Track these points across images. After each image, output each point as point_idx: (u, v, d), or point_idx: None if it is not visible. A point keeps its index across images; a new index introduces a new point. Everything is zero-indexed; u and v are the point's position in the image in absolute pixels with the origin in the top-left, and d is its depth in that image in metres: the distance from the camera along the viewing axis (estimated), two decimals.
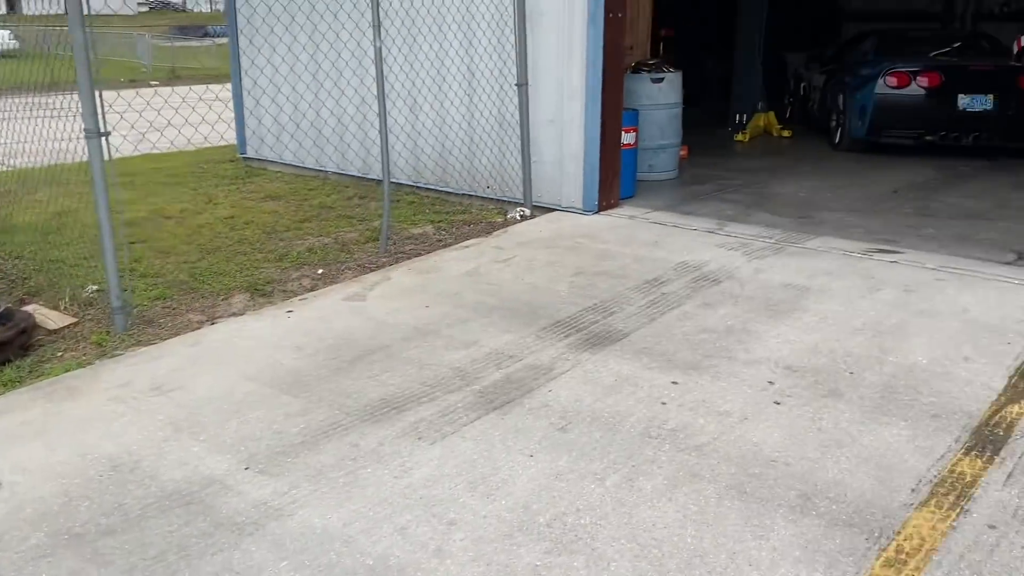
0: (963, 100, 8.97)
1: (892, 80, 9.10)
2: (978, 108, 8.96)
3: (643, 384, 3.68)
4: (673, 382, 3.69)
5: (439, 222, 6.70)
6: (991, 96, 8.93)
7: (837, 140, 9.98)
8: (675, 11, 14.96)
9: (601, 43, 6.43)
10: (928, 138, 9.20)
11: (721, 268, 5.28)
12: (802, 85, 12.42)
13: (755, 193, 7.63)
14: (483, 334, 4.26)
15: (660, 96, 7.91)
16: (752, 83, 11.78)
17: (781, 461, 3.05)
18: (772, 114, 11.94)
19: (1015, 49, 9.95)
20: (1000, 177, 8.31)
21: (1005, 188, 7.76)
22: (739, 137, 11.00)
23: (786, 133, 11.33)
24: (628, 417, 3.38)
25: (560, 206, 6.90)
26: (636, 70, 7.94)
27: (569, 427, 3.31)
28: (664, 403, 3.50)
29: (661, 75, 7.89)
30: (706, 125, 12.64)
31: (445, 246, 6.02)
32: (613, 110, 6.69)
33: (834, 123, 10.14)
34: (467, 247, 5.95)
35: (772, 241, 5.90)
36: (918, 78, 9.03)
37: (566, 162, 6.79)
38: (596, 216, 6.71)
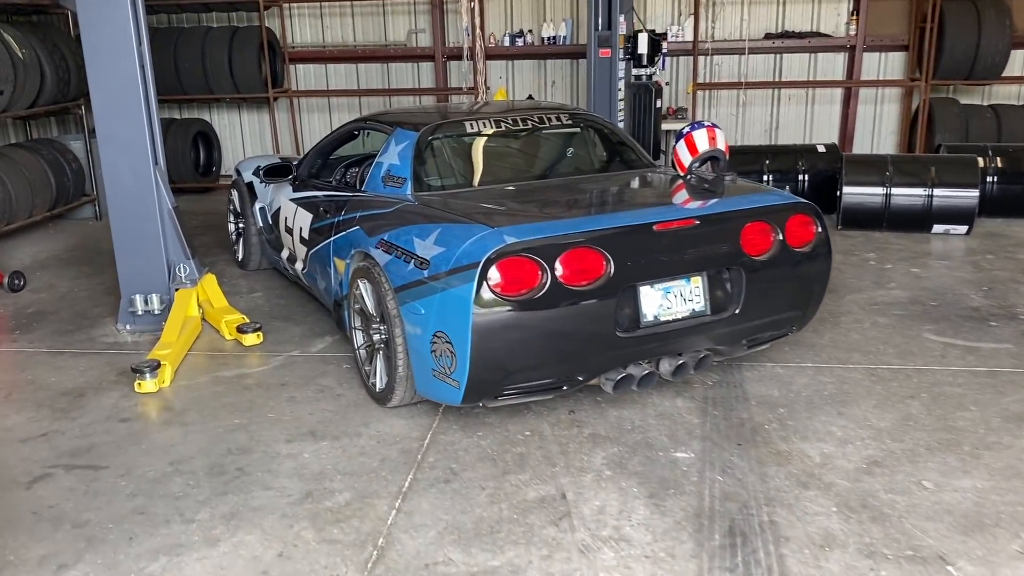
0: (650, 300, 3.91)
1: (504, 277, 3.60)
2: (681, 312, 3.98)
3: None
4: None
5: None
6: (698, 281, 4.03)
7: (382, 387, 4.23)
8: None
9: None
10: (592, 382, 4.00)
11: None
12: (262, 208, 6.39)
13: None
14: None
15: None
16: (152, 229, 5.38)
17: None
18: (213, 281, 5.73)
19: (684, 158, 4.98)
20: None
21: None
22: (143, 387, 4.52)
23: (249, 340, 5.20)
24: None
25: None
26: None
27: None
28: None
29: None
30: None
31: None
32: None
33: (361, 343, 4.39)
34: None
35: None
36: (558, 264, 3.69)
37: None
38: None
